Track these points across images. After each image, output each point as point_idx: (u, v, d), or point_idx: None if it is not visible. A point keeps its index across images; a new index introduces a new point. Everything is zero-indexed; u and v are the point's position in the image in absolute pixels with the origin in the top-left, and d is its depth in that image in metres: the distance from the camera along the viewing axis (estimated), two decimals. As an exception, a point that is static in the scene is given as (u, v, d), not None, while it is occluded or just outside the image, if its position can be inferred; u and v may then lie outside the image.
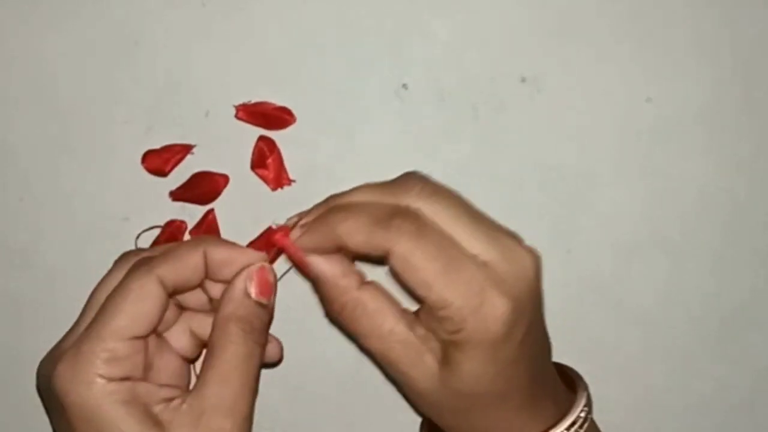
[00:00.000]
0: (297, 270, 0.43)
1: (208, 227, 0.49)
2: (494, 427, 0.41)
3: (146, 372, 0.40)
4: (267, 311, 0.42)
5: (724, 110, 0.50)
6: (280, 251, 0.42)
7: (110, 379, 0.38)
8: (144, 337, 0.40)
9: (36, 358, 0.50)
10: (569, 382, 0.44)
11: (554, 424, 0.41)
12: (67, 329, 0.48)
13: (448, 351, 0.39)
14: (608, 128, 0.50)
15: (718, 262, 0.50)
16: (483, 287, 0.38)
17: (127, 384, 0.39)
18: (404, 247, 0.38)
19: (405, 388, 0.41)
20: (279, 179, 0.49)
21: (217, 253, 0.41)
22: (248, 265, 0.41)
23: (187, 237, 0.49)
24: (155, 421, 0.38)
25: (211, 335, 0.41)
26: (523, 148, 0.50)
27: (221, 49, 0.49)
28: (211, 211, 0.49)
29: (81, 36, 0.49)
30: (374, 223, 0.39)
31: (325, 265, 0.41)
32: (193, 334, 0.44)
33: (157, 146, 0.49)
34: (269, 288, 0.42)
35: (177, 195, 0.49)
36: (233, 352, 0.40)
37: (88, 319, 0.40)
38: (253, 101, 0.49)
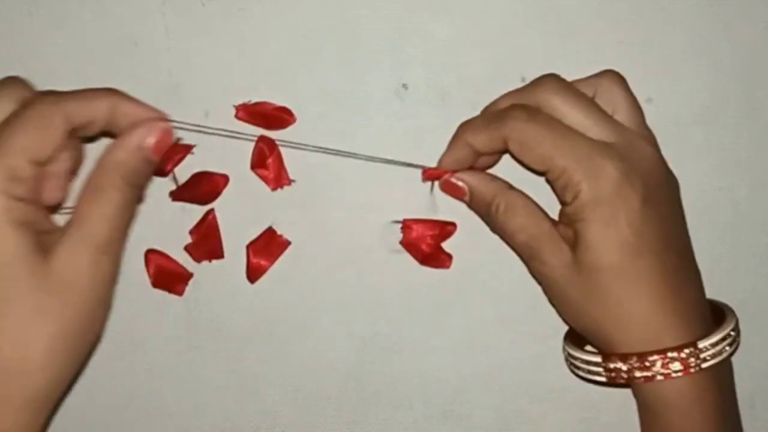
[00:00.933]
0: (455, 197, 0.47)
1: (208, 227, 0.49)
2: (635, 315, 0.42)
3: (36, 198, 0.41)
4: (151, 169, 0.42)
5: (724, 110, 0.50)
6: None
7: (9, 196, 0.38)
8: (42, 164, 0.40)
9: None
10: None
11: (702, 336, 0.42)
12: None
13: (576, 228, 0.43)
14: (608, 128, 0.50)
15: (718, 262, 0.50)
16: (593, 151, 0.42)
17: (23, 205, 0.39)
18: (517, 130, 0.43)
19: (548, 280, 0.44)
20: (279, 179, 0.49)
21: (126, 107, 0.42)
22: (151, 120, 0.42)
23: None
24: (41, 246, 0.39)
25: (93, 175, 0.41)
26: (523, 148, 0.50)
27: (221, 49, 0.49)
28: (211, 211, 0.49)
29: (81, 36, 0.49)
30: (491, 120, 0.44)
31: (472, 177, 0.46)
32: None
33: (157, 146, 0.49)
34: (164, 148, 0.42)
35: (177, 195, 0.49)
36: (117, 197, 0.41)
37: None
38: (253, 101, 0.49)
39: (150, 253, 0.49)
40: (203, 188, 0.49)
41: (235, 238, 0.49)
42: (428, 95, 0.49)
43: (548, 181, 0.44)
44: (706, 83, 0.50)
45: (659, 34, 0.49)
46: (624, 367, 0.42)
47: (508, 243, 0.46)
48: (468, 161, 0.46)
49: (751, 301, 0.50)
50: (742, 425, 0.45)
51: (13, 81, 0.42)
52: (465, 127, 0.46)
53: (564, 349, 0.46)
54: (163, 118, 0.42)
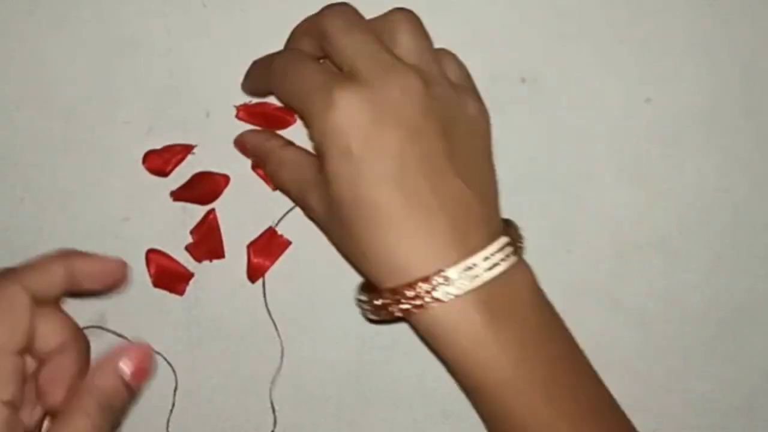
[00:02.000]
0: (243, 153, 0.48)
1: (208, 227, 0.49)
2: (380, 249, 0.40)
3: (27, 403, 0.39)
4: (132, 395, 0.40)
5: (724, 110, 0.50)
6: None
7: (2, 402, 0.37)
8: (21, 353, 0.38)
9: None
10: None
11: (453, 261, 0.40)
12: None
13: (321, 165, 0.41)
14: (608, 128, 0.50)
15: (718, 263, 0.50)
16: (326, 82, 0.41)
17: (8, 412, 0.37)
18: (329, 19, 0.43)
19: (318, 225, 0.45)
20: None
21: (81, 264, 0.40)
22: (112, 273, 0.41)
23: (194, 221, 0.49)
24: None
25: (68, 396, 0.39)
26: (523, 148, 0.50)
27: (222, 49, 0.49)
28: (212, 211, 0.49)
29: (81, 36, 0.49)
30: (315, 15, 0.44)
31: (250, 136, 0.47)
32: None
33: (158, 146, 0.49)
34: (144, 375, 0.40)
35: (178, 195, 0.49)
36: (82, 425, 0.38)
37: None
38: (253, 101, 0.49)
39: (151, 253, 0.49)
40: (204, 188, 0.49)
41: (235, 238, 0.49)
42: (428, 95, 0.49)
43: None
44: (706, 83, 0.50)
45: (659, 34, 0.49)
46: (381, 302, 0.41)
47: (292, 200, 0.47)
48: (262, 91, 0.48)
49: (751, 301, 0.51)
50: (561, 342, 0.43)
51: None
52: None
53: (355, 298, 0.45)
54: (122, 266, 0.41)
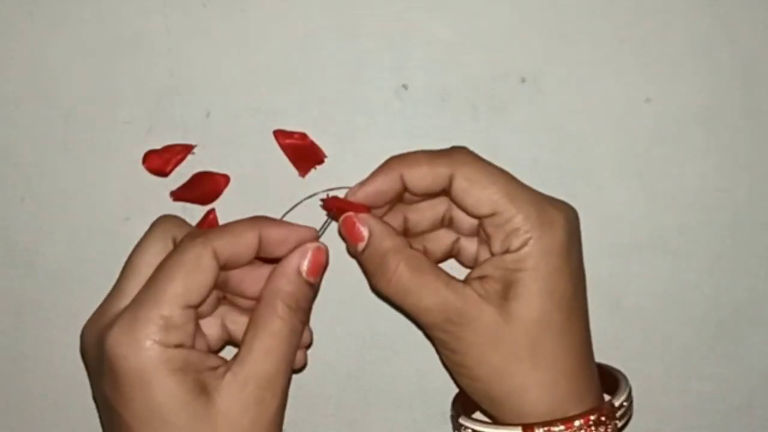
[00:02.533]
0: (347, 241, 0.44)
1: (208, 227, 0.49)
2: (561, 373, 0.41)
3: (195, 341, 0.41)
4: (313, 290, 0.43)
5: (724, 110, 0.50)
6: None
7: (166, 346, 0.38)
8: (195, 307, 0.40)
9: (37, 358, 0.51)
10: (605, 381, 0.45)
11: (609, 401, 0.42)
12: (67, 329, 0.48)
13: (512, 280, 0.41)
14: (608, 128, 0.50)
15: (718, 263, 0.50)
16: (542, 201, 0.42)
17: (181, 351, 0.39)
18: (467, 168, 0.41)
19: (464, 345, 0.41)
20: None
21: (273, 233, 0.42)
22: (302, 243, 0.42)
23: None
24: (203, 388, 0.39)
25: (257, 307, 0.41)
26: (523, 148, 0.50)
27: (222, 49, 0.49)
28: (212, 211, 0.49)
29: (81, 36, 0.49)
30: (435, 155, 0.42)
31: (378, 225, 0.43)
32: (224, 327, 0.44)
33: (158, 146, 0.49)
34: (320, 268, 0.42)
35: (178, 195, 0.49)
36: (279, 326, 0.41)
37: (132, 284, 0.41)
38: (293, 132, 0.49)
39: (150, 253, 0.49)
40: (204, 188, 0.49)
41: (236, 238, 0.49)
42: (428, 95, 0.49)
43: (484, 226, 0.42)
44: (706, 83, 0.50)
45: (659, 34, 0.49)
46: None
47: (405, 305, 0.42)
48: (388, 197, 0.43)
49: (751, 301, 0.51)
50: None
51: (167, 220, 0.43)
52: (401, 159, 0.43)
53: (460, 424, 0.43)
54: (313, 235, 0.43)
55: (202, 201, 0.49)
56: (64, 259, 0.50)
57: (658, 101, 0.49)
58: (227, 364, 0.40)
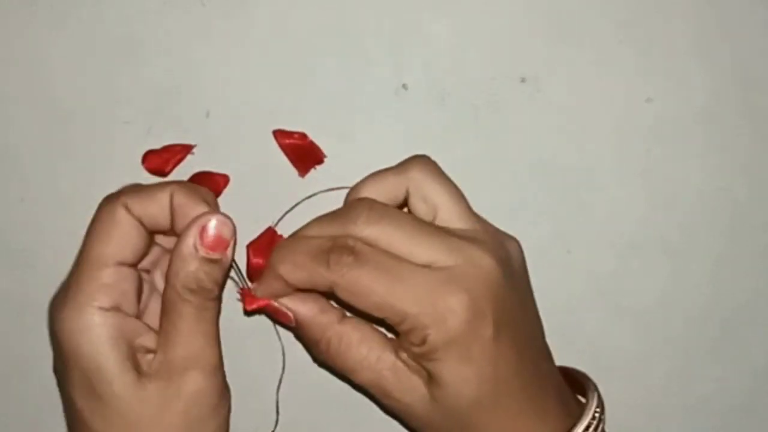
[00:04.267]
0: (277, 322, 0.44)
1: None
2: None
3: (141, 313, 0.41)
4: (219, 266, 0.40)
5: (724, 110, 0.50)
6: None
7: (99, 308, 0.38)
8: (130, 266, 0.40)
9: (37, 359, 0.51)
10: (576, 385, 0.44)
11: (568, 430, 0.41)
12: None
13: (427, 368, 0.39)
14: (608, 128, 0.50)
15: (718, 263, 0.50)
16: (433, 289, 0.38)
17: (117, 316, 0.38)
18: (346, 279, 0.39)
19: (404, 416, 0.42)
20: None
21: (179, 197, 0.41)
22: (199, 216, 0.40)
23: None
24: (136, 365, 0.39)
25: (164, 290, 0.40)
26: (523, 148, 0.50)
27: (221, 49, 0.49)
28: (212, 211, 0.49)
29: (81, 36, 0.49)
30: (312, 261, 0.39)
31: (301, 306, 0.41)
32: None
33: (157, 146, 0.49)
34: (222, 242, 0.40)
35: (177, 195, 0.49)
36: (186, 310, 0.40)
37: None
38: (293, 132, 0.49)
39: (150, 253, 0.49)
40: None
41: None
42: (428, 95, 0.49)
43: (387, 325, 0.41)
44: (706, 83, 0.50)
45: (659, 34, 0.49)
46: None
47: (348, 379, 0.42)
48: (285, 293, 0.42)
49: (751, 301, 0.51)
50: None
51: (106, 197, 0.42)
52: (282, 257, 0.41)
53: None
54: (212, 209, 0.41)
55: (202, 201, 0.49)
56: (63, 260, 0.50)
57: (658, 101, 0.49)
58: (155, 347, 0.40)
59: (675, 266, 0.50)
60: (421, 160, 0.42)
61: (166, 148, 0.49)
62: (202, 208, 0.40)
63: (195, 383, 0.40)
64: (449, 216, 0.41)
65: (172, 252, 0.40)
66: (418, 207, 0.42)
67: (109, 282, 0.39)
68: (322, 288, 0.40)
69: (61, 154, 0.49)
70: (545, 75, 0.49)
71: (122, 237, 0.40)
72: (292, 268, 0.40)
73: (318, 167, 0.49)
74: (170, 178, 0.49)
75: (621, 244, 0.50)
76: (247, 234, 0.49)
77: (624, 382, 0.50)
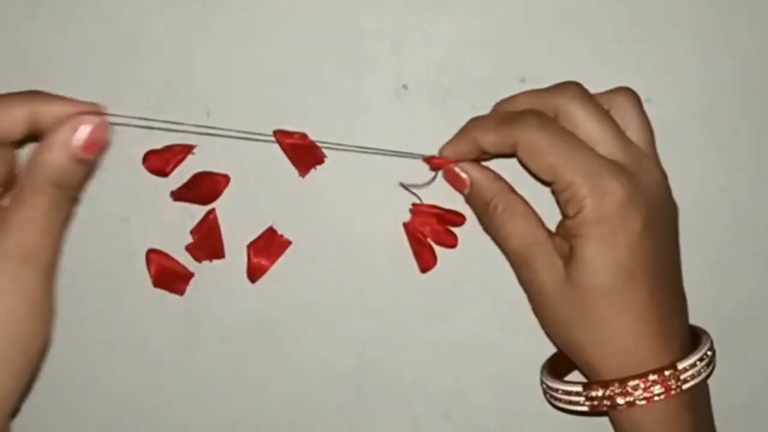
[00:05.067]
0: (455, 187, 0.47)
1: (208, 227, 0.49)
2: (621, 338, 0.42)
3: None
4: (87, 167, 0.39)
5: (724, 110, 0.50)
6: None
7: None
8: None
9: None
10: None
11: (682, 357, 0.42)
12: (67, 329, 0.48)
13: (573, 244, 0.42)
14: (608, 128, 0.50)
15: (718, 263, 0.50)
16: (602, 169, 0.42)
17: None
18: (528, 137, 0.42)
19: (536, 292, 0.44)
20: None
21: (47, 109, 0.39)
22: (78, 115, 0.39)
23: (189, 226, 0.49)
24: None
25: (20, 181, 0.38)
26: (523, 148, 0.50)
27: (221, 49, 0.49)
28: (212, 211, 0.49)
29: (81, 36, 0.49)
30: (502, 121, 0.44)
31: (478, 172, 0.46)
32: None
33: (158, 146, 0.49)
34: (96, 147, 0.39)
35: (178, 195, 0.49)
36: (39, 200, 0.38)
37: None
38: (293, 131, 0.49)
39: (151, 253, 0.49)
40: (204, 188, 0.49)
41: (235, 238, 0.49)
42: (428, 95, 0.49)
43: (553, 192, 0.44)
44: (706, 83, 0.50)
45: (659, 34, 0.49)
46: (605, 394, 0.42)
47: (500, 246, 0.45)
48: (469, 156, 0.46)
49: (751, 301, 0.51)
50: None
51: None
52: (475, 123, 0.45)
53: (542, 382, 0.46)
54: (97, 110, 0.39)
55: (202, 201, 0.49)
56: (64, 259, 0.50)
57: (658, 101, 0.49)
58: None
59: (675, 266, 0.50)
60: (570, 88, 0.44)
61: (167, 148, 0.49)
62: (82, 108, 0.39)
63: (29, 278, 0.37)
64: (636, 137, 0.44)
65: (40, 144, 0.38)
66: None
67: None
68: (507, 147, 0.43)
69: (62, 154, 0.49)
70: (545, 75, 0.49)
71: None
72: (483, 129, 0.44)
73: (318, 167, 0.49)
74: (171, 178, 0.49)
75: (621, 244, 0.50)
76: (247, 234, 0.49)
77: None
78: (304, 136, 0.49)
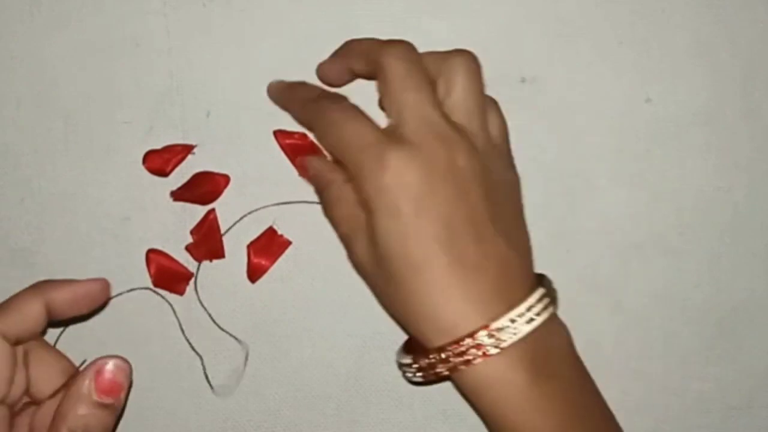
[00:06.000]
0: (303, 176, 0.48)
1: (208, 227, 0.49)
2: (428, 305, 0.41)
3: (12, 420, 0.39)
4: (111, 411, 0.40)
5: (724, 110, 0.50)
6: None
7: None
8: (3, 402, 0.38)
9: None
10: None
11: (497, 315, 0.40)
12: (66, 328, 0.48)
13: (367, 219, 0.42)
14: (608, 128, 0.50)
15: (717, 263, 0.50)
16: (380, 141, 0.41)
17: None
18: (319, 119, 0.44)
19: (359, 271, 0.44)
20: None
21: (58, 297, 0.40)
22: (92, 294, 0.41)
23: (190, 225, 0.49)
24: None
25: (49, 429, 0.39)
26: (523, 148, 0.49)
27: (222, 50, 0.49)
28: (212, 211, 0.49)
29: (81, 36, 0.49)
30: (377, 43, 0.44)
31: (317, 162, 0.47)
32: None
33: (158, 146, 0.49)
34: (117, 388, 0.39)
35: (178, 195, 0.49)
36: None
37: None
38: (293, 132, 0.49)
39: (151, 253, 0.49)
40: (204, 188, 0.49)
41: (235, 238, 0.49)
42: (428, 95, 0.49)
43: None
44: (706, 83, 0.50)
45: (659, 34, 0.49)
46: (428, 363, 0.41)
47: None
48: (343, 75, 0.47)
49: (751, 301, 0.51)
50: (597, 406, 0.44)
51: None
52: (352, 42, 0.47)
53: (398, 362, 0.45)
54: (103, 285, 0.41)
55: (202, 201, 0.49)
56: (64, 259, 0.50)
57: (658, 101, 0.49)
58: None
59: (674, 266, 0.50)
60: (464, 57, 0.44)
61: (167, 148, 0.49)
62: (93, 287, 0.41)
63: None
64: (455, 104, 0.43)
65: (69, 394, 0.39)
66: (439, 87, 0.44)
67: None
68: (371, 66, 0.44)
69: (62, 154, 0.49)
70: (545, 75, 0.50)
71: (1, 372, 0.38)
72: (299, 107, 0.47)
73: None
74: (171, 178, 0.49)
75: (620, 244, 0.50)
76: (247, 234, 0.49)
77: (623, 382, 0.50)
78: (304, 136, 0.49)
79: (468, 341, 0.40)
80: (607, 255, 0.50)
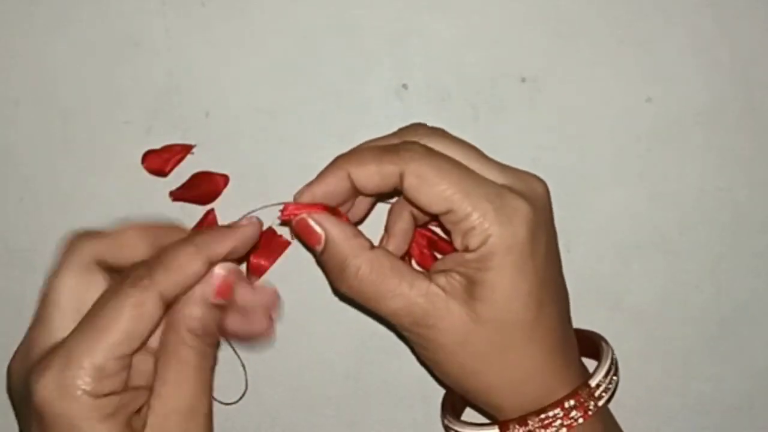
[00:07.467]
0: (303, 244, 0.42)
1: (208, 227, 0.49)
2: (534, 369, 0.40)
3: (127, 380, 0.39)
4: (220, 312, 0.40)
5: (724, 110, 0.50)
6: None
7: (97, 396, 0.36)
8: (132, 354, 0.38)
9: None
10: (587, 343, 0.44)
11: (588, 375, 0.41)
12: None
13: (476, 279, 0.38)
14: (608, 128, 0.50)
15: (717, 263, 0.50)
16: (501, 194, 0.38)
17: (112, 399, 0.37)
18: (417, 165, 0.38)
19: (434, 346, 0.40)
20: None
21: (222, 252, 0.39)
22: (250, 242, 0.40)
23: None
24: (132, 428, 0.37)
25: (164, 336, 0.39)
26: (523, 148, 0.50)
27: (221, 49, 0.49)
28: (211, 211, 0.49)
29: (81, 36, 0.49)
30: (383, 152, 0.39)
31: (334, 227, 0.40)
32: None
33: (157, 146, 0.49)
34: (228, 290, 0.39)
35: (177, 195, 0.49)
36: (187, 354, 0.38)
37: (55, 316, 0.38)
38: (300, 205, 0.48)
39: (150, 253, 0.49)
40: (203, 188, 0.49)
41: (236, 238, 0.49)
42: (428, 95, 0.49)
43: (442, 224, 0.40)
44: (706, 83, 0.50)
45: (659, 34, 0.49)
46: (524, 431, 0.40)
47: (374, 309, 0.40)
48: (339, 198, 0.41)
49: (751, 301, 0.51)
50: None
51: (82, 240, 0.39)
52: (347, 157, 0.40)
53: (448, 428, 0.43)
54: (255, 231, 0.40)
55: (202, 201, 0.49)
56: (63, 259, 0.50)
57: (658, 101, 0.49)
58: (150, 402, 0.38)
59: (674, 266, 0.50)
60: (414, 151, 0.40)
61: (166, 148, 0.49)
62: (249, 233, 0.40)
63: (189, 430, 0.38)
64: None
65: (179, 301, 0.39)
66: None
67: (112, 372, 0.37)
68: (389, 180, 0.39)
69: (61, 153, 0.49)
70: (545, 75, 0.49)
71: (143, 332, 0.37)
72: (359, 162, 0.39)
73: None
74: (170, 178, 0.49)
75: (621, 244, 0.50)
76: (247, 234, 0.49)
77: (623, 382, 0.50)
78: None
79: (570, 402, 0.39)
80: (607, 255, 0.50)
